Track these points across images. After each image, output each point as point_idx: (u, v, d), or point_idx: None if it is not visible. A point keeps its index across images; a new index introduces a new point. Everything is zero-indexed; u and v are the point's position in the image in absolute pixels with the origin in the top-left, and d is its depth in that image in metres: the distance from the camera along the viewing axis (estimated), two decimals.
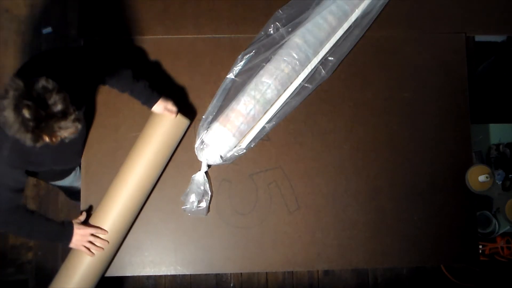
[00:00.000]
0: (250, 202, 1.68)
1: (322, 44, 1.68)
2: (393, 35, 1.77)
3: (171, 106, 1.54)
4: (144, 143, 1.55)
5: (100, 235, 1.51)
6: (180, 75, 1.73)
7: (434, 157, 1.73)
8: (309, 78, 1.69)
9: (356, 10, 1.69)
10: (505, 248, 1.87)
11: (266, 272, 2.03)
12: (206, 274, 2.00)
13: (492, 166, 1.82)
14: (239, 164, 1.69)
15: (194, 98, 1.72)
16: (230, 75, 1.67)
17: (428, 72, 1.77)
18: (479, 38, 1.96)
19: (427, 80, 1.77)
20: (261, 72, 1.65)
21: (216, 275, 2.02)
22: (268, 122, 1.66)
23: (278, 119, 1.69)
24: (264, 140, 1.71)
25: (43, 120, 1.10)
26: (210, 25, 1.76)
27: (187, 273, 1.68)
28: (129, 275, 1.67)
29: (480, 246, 1.78)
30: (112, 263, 1.64)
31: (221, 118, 1.61)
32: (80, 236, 1.49)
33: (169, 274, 1.67)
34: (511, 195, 1.70)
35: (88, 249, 1.49)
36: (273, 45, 1.68)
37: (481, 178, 1.68)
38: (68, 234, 1.48)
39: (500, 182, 1.75)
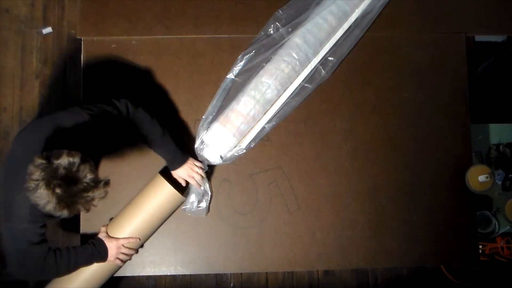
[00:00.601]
0: (250, 202, 1.68)
1: (322, 44, 1.68)
2: (393, 35, 1.77)
3: (197, 176, 1.55)
4: (138, 212, 1.54)
5: (131, 244, 1.54)
6: (180, 75, 1.73)
7: (434, 157, 1.73)
8: (309, 78, 1.69)
9: (356, 10, 1.69)
10: (505, 248, 1.87)
11: (266, 272, 2.03)
12: (206, 274, 2.00)
13: (492, 166, 1.82)
14: (239, 164, 1.69)
15: (194, 98, 1.72)
16: (230, 75, 1.67)
17: (428, 72, 1.77)
18: (479, 38, 1.95)
19: (427, 80, 1.77)
20: (261, 72, 1.65)
21: (216, 275, 2.02)
22: (268, 122, 1.66)
23: (278, 119, 1.68)
24: (264, 140, 1.71)
25: (77, 195, 1.15)
26: (210, 25, 1.76)
27: (187, 273, 1.68)
28: (129, 275, 1.67)
29: (480, 246, 1.78)
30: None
31: (221, 118, 1.61)
32: (114, 249, 1.51)
33: (169, 274, 1.67)
34: (511, 195, 1.70)
35: (121, 260, 1.54)
36: (273, 45, 1.68)
37: (481, 178, 1.68)
38: (103, 252, 1.49)
39: (500, 182, 1.75)
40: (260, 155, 1.70)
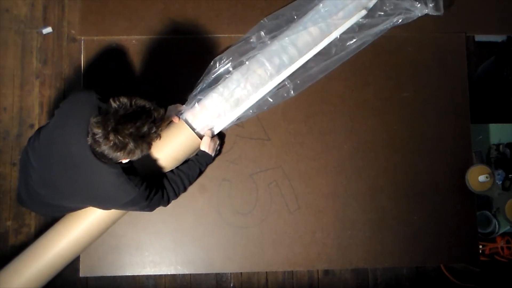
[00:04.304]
0: (250, 202, 1.68)
1: (300, 53, 1.65)
2: (393, 35, 1.77)
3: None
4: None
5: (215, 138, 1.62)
6: (180, 75, 1.72)
7: (434, 157, 1.74)
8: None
9: (338, 29, 1.66)
10: (505, 248, 1.87)
11: (266, 272, 2.03)
12: (206, 274, 2.00)
13: (492, 166, 1.82)
14: (239, 164, 1.69)
15: None
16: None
17: (428, 72, 1.77)
18: (479, 38, 1.96)
19: (427, 80, 1.77)
20: (234, 72, 1.62)
21: (216, 275, 2.01)
22: (237, 119, 1.65)
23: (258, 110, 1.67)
24: (264, 140, 1.71)
25: (145, 124, 1.23)
26: (210, 25, 1.76)
27: (187, 272, 1.68)
28: (129, 275, 1.67)
29: (480, 246, 1.78)
30: (112, 263, 1.64)
31: (190, 110, 1.59)
32: (212, 146, 1.59)
33: (169, 273, 1.67)
34: (511, 195, 1.70)
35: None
36: (250, 50, 1.65)
37: (481, 178, 1.68)
38: (209, 161, 1.61)
39: (500, 182, 1.75)
40: (260, 155, 1.70)
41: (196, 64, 1.72)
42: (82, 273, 1.66)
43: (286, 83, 1.68)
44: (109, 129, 1.19)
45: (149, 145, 1.29)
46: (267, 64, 1.61)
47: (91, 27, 1.75)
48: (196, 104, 1.59)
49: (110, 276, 1.63)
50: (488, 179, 1.68)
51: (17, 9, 2.17)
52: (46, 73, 2.13)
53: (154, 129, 1.26)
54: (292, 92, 1.68)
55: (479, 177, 1.68)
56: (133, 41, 1.74)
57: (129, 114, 1.20)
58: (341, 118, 1.74)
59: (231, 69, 1.64)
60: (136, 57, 1.74)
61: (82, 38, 1.75)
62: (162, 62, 1.74)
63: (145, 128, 1.23)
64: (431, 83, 1.77)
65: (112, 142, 1.20)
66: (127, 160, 1.30)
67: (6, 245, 1.98)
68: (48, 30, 2.15)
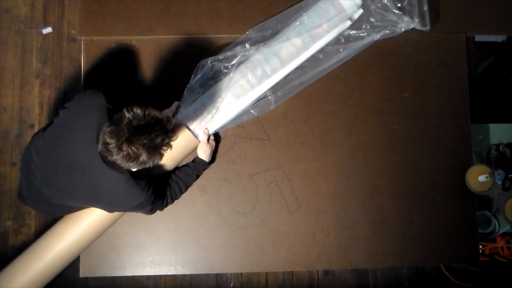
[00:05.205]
0: (250, 202, 1.68)
1: (283, 64, 1.65)
2: (393, 35, 1.77)
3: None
4: None
5: (210, 139, 1.62)
6: (180, 75, 1.72)
7: (434, 157, 1.74)
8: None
9: (319, 41, 1.66)
10: (505, 248, 1.87)
11: (266, 272, 2.03)
12: (206, 274, 2.00)
13: (492, 166, 1.82)
14: (239, 164, 1.69)
15: None
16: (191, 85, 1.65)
17: (428, 72, 1.77)
18: (479, 38, 1.96)
19: (427, 80, 1.77)
20: (219, 83, 1.63)
21: (216, 275, 2.01)
22: (221, 127, 1.66)
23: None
24: (264, 140, 1.71)
25: (158, 136, 1.22)
26: (210, 25, 1.76)
27: (187, 273, 1.68)
28: (129, 275, 1.67)
29: (480, 246, 1.78)
30: (112, 263, 1.64)
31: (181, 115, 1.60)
32: (208, 151, 1.60)
33: (169, 274, 1.67)
34: (511, 195, 1.70)
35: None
36: (235, 58, 1.65)
37: (481, 178, 1.68)
38: (205, 167, 1.63)
39: (500, 182, 1.75)
40: (260, 155, 1.70)
41: (196, 64, 1.72)
42: (82, 273, 1.66)
43: (268, 95, 1.68)
44: (122, 139, 1.18)
45: (161, 156, 1.28)
46: (249, 75, 1.62)
47: (91, 27, 1.75)
48: (184, 109, 1.60)
49: (110, 277, 1.63)
50: (488, 179, 1.68)
51: (17, 9, 2.17)
52: (46, 73, 2.14)
53: (166, 140, 1.26)
54: (273, 104, 1.68)
55: (479, 177, 1.68)
56: (133, 41, 1.74)
57: (143, 125, 1.20)
58: (341, 118, 1.74)
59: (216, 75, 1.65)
60: (136, 57, 1.74)
61: (82, 38, 1.75)
62: (162, 62, 1.74)
63: (158, 140, 1.22)
64: (431, 83, 1.77)
65: (125, 153, 1.20)
66: (137, 169, 1.31)
67: (6, 245, 1.98)
68: (48, 30, 2.15)
